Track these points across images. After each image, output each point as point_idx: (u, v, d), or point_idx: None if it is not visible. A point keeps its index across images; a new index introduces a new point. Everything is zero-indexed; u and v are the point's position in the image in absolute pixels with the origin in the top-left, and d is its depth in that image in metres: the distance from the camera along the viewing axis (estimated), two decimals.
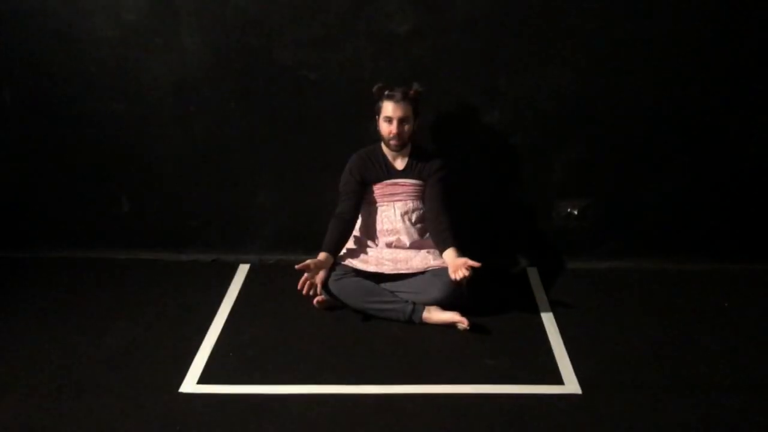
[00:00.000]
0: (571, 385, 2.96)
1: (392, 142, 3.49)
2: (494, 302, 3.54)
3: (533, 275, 3.88)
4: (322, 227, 3.50)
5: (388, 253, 3.52)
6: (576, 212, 3.93)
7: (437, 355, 3.17)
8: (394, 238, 3.55)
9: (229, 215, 4.02)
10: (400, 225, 3.54)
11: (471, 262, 3.20)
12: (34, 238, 4.08)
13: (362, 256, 3.50)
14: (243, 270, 3.92)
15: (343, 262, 3.45)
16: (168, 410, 2.79)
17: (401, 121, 3.44)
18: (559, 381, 2.98)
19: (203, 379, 2.98)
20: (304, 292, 3.23)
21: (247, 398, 2.87)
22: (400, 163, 3.57)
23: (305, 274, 3.23)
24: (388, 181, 3.56)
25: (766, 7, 3.58)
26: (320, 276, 3.34)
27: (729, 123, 3.77)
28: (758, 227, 3.97)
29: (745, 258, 3.98)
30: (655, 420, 2.75)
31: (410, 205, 3.56)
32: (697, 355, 3.18)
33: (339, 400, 2.87)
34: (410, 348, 3.21)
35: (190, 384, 2.95)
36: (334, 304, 3.45)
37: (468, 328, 3.27)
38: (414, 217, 3.57)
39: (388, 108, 3.43)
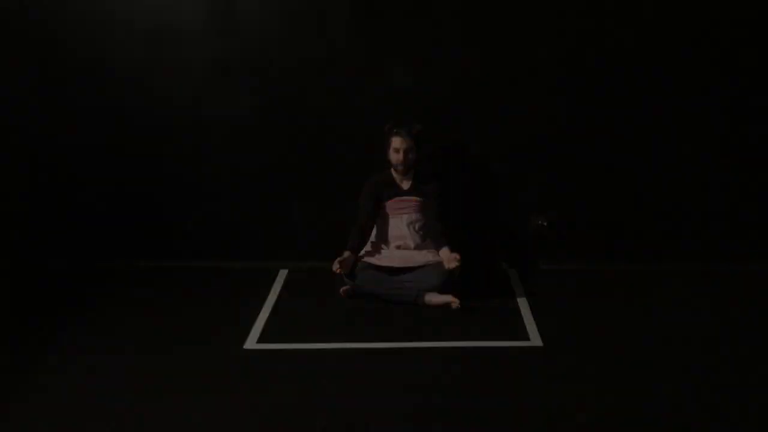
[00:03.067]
0: (535, 340, 3.90)
1: (399, 168, 4.49)
2: (480, 292, 4.44)
3: (513, 275, 4.80)
4: (345, 239, 4.42)
5: (398, 253, 4.47)
6: (546, 224, 4.85)
7: (435, 323, 4.10)
8: (401, 242, 4.49)
9: (271, 230, 4.95)
10: (406, 232, 4.49)
11: (458, 256, 4.21)
12: (119, 252, 4.98)
13: (377, 255, 4.46)
14: (283, 274, 4.85)
15: (363, 259, 4.40)
16: (236, 360, 3.75)
17: (406, 152, 4.43)
18: (526, 338, 3.93)
19: (261, 339, 3.94)
20: (335, 269, 4.20)
21: (294, 352, 3.82)
22: (405, 184, 4.55)
23: (337, 259, 4.23)
24: (397, 198, 4.51)
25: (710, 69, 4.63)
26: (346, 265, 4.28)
27: (668, 158, 4.77)
28: (693, 235, 4.88)
29: (684, 259, 4.89)
30: (596, 365, 3.67)
31: (414, 216, 4.51)
32: (639, 326, 4.09)
33: (363, 352, 3.80)
34: (415, 320, 4.16)
35: (251, 342, 3.90)
36: (355, 292, 4.39)
37: (459, 306, 4.20)
38: (417, 226, 4.51)
39: (396, 141, 4.44)
